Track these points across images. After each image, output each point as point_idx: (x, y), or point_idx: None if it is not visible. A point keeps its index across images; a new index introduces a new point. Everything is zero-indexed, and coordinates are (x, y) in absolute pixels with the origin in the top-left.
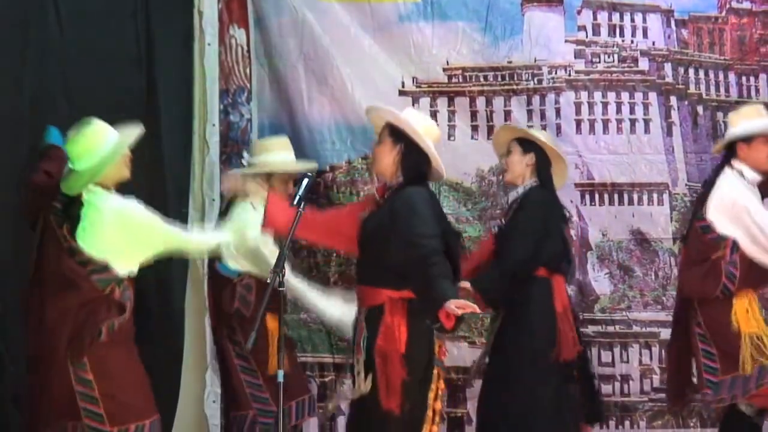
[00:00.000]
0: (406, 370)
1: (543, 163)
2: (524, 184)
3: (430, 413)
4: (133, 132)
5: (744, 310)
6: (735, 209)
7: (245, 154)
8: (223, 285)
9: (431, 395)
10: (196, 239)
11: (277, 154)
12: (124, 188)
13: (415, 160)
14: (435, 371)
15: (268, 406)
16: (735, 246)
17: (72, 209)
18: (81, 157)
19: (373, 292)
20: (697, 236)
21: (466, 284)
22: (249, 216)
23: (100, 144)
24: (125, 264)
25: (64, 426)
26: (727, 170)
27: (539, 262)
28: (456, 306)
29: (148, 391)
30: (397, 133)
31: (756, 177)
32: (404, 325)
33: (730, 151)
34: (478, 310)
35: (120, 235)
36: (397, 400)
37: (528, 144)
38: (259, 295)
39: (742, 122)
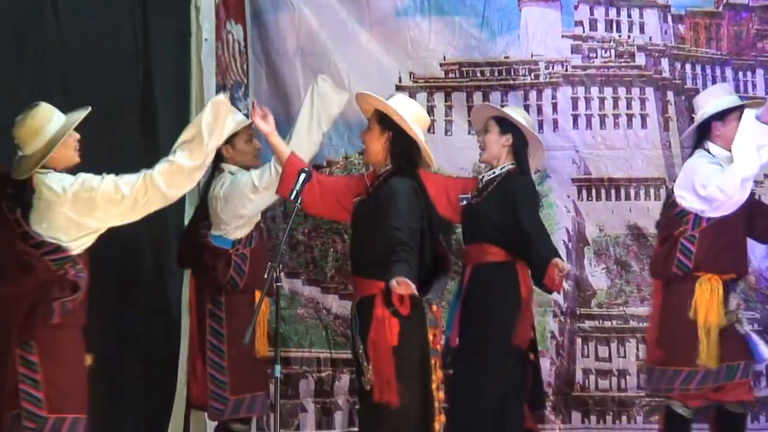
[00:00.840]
0: (396, 363)
1: (520, 145)
2: (500, 165)
3: (437, 404)
4: (80, 114)
5: (704, 298)
6: (689, 175)
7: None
8: (218, 256)
9: (433, 386)
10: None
11: (230, 117)
12: None
13: (403, 148)
14: (432, 361)
15: (222, 391)
16: (696, 220)
17: (23, 194)
18: (27, 141)
19: (364, 282)
20: (665, 214)
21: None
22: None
23: (46, 127)
24: (80, 240)
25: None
26: (696, 151)
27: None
28: (397, 282)
29: (86, 387)
30: (385, 120)
31: (725, 154)
32: (395, 317)
33: (702, 133)
34: (414, 291)
35: (78, 209)
36: (394, 392)
37: (506, 124)
38: (253, 266)
39: (711, 102)
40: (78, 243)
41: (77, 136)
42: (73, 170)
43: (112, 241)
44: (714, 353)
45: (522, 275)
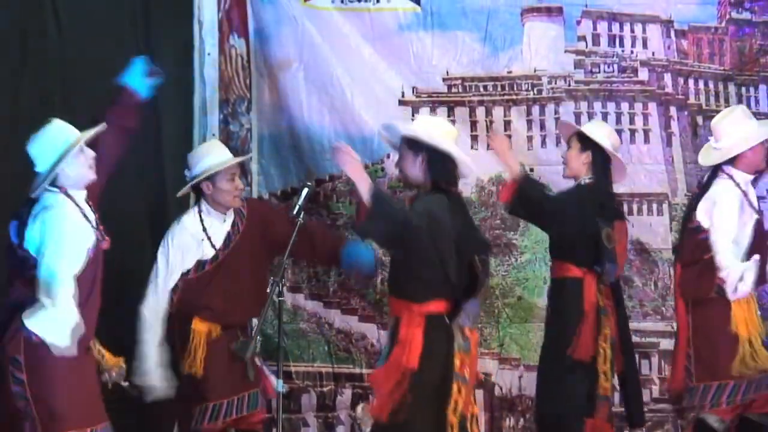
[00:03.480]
0: (411, 385)
1: (600, 162)
2: (579, 181)
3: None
4: (90, 131)
5: (743, 314)
6: (712, 207)
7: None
8: None
9: (449, 409)
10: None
11: (215, 154)
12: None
13: (442, 165)
14: (454, 386)
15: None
16: None
17: (29, 210)
18: (39, 158)
19: (395, 302)
20: (689, 238)
21: None
22: None
23: (58, 143)
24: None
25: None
26: (719, 175)
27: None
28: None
29: (91, 399)
30: (414, 144)
31: (748, 177)
32: (419, 341)
33: None
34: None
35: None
36: (387, 409)
37: (587, 141)
38: (183, 293)
39: (736, 131)
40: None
41: (92, 153)
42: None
43: (113, 240)
44: (755, 364)
45: (587, 290)
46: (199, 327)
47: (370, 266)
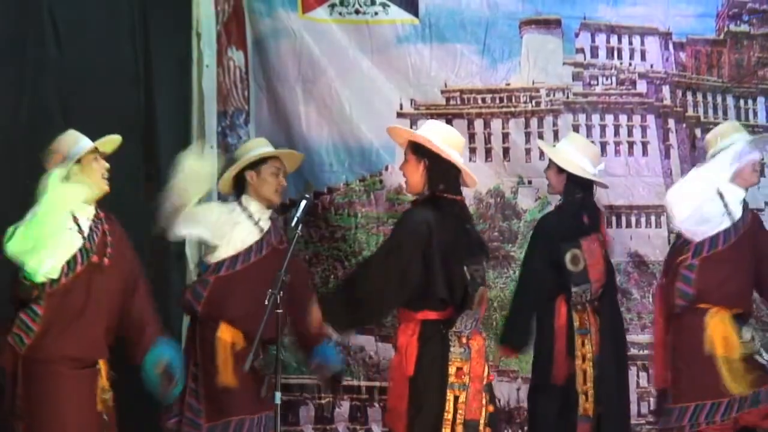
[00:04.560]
0: (411, 393)
1: (572, 179)
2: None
3: None
4: (106, 139)
5: (719, 332)
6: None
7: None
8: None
9: (445, 419)
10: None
11: (265, 147)
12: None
13: (442, 173)
14: (450, 395)
15: (197, 418)
16: (697, 249)
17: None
18: (52, 167)
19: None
20: (672, 246)
21: None
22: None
23: (70, 152)
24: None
25: None
26: None
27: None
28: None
29: (85, 417)
30: (419, 149)
31: (740, 194)
32: (414, 347)
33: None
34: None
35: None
36: (403, 423)
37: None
38: (212, 293)
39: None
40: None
41: (106, 165)
42: None
43: None
44: (741, 381)
45: (557, 313)
46: (225, 336)
47: (337, 367)
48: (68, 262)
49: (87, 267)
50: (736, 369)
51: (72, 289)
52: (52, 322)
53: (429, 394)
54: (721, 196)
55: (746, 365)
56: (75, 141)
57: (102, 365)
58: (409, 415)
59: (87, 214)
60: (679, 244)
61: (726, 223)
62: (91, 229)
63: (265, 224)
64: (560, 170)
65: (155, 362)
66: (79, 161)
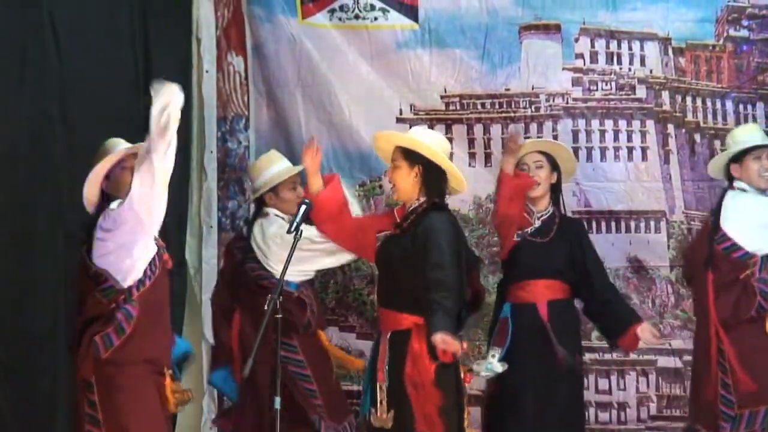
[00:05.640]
0: (439, 398)
1: (559, 186)
2: (549, 204)
3: None
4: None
5: None
6: (750, 216)
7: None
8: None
9: (465, 423)
10: None
11: (275, 165)
12: None
13: (436, 179)
14: (465, 398)
15: None
16: (764, 261)
17: (92, 227)
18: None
19: (398, 316)
20: (723, 259)
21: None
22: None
23: (108, 155)
24: (124, 272)
25: None
26: (729, 191)
27: None
28: (440, 340)
29: (159, 421)
30: (411, 155)
31: (752, 189)
32: (427, 352)
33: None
34: (458, 351)
35: (110, 236)
36: (440, 429)
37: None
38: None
39: (732, 144)
40: (127, 271)
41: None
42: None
43: None
44: None
45: None
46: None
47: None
48: (150, 264)
49: (162, 268)
50: None
51: (154, 291)
52: (142, 323)
53: (452, 398)
54: None
55: None
56: (113, 147)
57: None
58: (441, 418)
59: None
60: (737, 257)
61: None
62: None
63: None
64: (554, 168)
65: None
66: None
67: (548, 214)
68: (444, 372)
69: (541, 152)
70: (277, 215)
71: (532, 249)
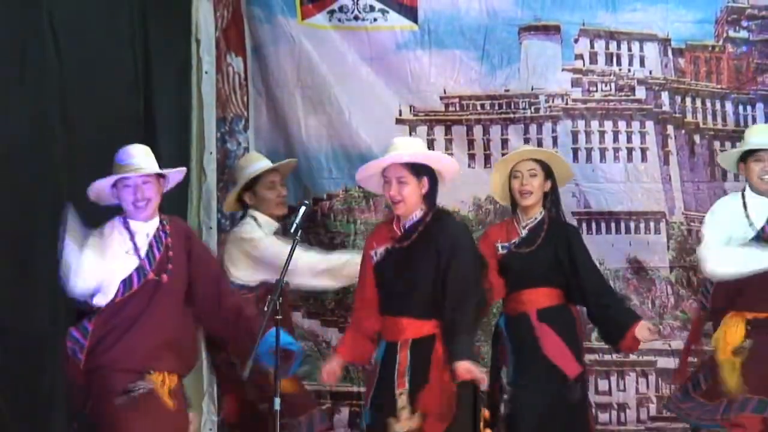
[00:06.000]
0: (458, 403)
1: (556, 191)
2: (539, 211)
3: None
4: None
5: (723, 334)
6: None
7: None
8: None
9: (481, 425)
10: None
11: (253, 164)
12: None
13: (436, 188)
14: (481, 413)
15: None
16: None
17: None
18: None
19: (419, 323)
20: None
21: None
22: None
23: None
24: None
25: None
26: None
27: None
28: (465, 370)
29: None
30: (417, 168)
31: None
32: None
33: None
34: (478, 377)
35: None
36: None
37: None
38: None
39: (743, 143)
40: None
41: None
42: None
43: None
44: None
45: None
46: None
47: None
48: (124, 282)
49: (144, 284)
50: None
51: (128, 304)
52: (103, 336)
53: (470, 401)
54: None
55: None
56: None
57: (157, 374)
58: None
59: (147, 230)
60: None
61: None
62: (150, 245)
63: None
64: (547, 176)
65: (267, 349)
66: None
67: (536, 222)
68: (463, 386)
69: (535, 160)
70: (252, 216)
71: (518, 260)
